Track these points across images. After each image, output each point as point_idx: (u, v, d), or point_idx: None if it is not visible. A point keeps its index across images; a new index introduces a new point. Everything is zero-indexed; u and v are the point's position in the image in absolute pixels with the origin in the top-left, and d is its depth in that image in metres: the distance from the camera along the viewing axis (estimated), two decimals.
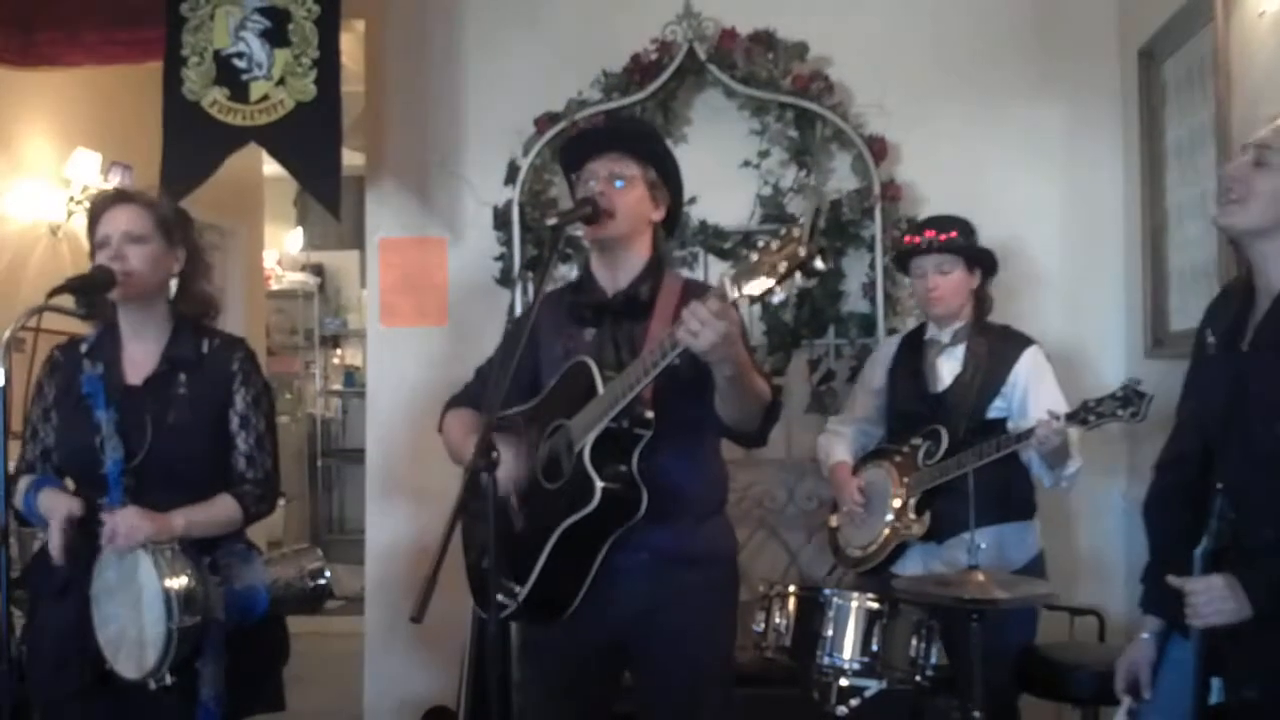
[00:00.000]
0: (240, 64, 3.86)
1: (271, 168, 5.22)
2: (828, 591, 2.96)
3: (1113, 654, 2.50)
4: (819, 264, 1.99)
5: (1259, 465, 2.11)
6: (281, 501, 2.92)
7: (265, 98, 3.85)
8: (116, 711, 2.53)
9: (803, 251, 1.97)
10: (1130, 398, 2.91)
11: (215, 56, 3.87)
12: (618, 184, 2.53)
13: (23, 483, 2.60)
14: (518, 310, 4.00)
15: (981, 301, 3.46)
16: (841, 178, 4.18)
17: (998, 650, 2.99)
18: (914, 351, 3.51)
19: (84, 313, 2.60)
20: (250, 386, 2.69)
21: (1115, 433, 3.73)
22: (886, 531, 3.36)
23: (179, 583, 2.43)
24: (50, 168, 5.31)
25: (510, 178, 4.20)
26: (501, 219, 4.21)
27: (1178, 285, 3.74)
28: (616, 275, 2.59)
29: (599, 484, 2.32)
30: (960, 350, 3.40)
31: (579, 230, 2.62)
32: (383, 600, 4.32)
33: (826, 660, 2.89)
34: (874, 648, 2.87)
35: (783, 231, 2.02)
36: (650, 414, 2.37)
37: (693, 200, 3.71)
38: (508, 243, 4.20)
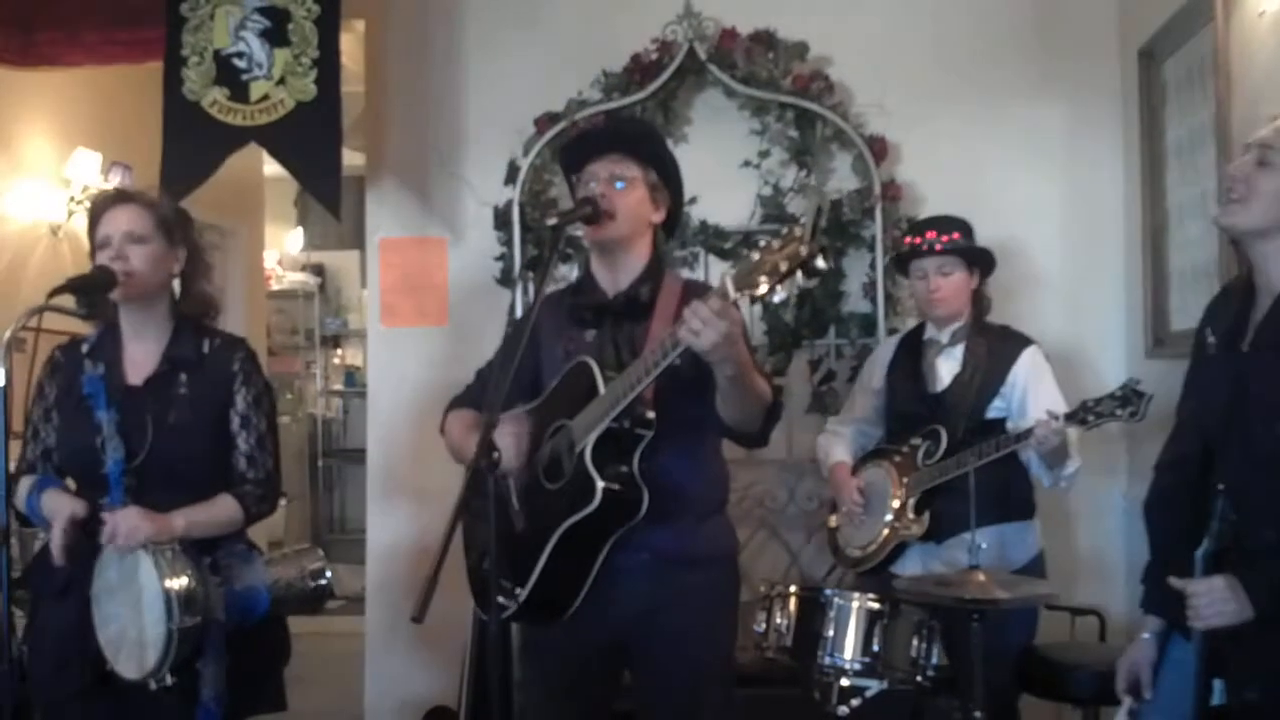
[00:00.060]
0: (240, 64, 3.86)
1: (272, 168, 5.22)
2: (829, 592, 2.96)
3: (1113, 654, 2.50)
4: (820, 263, 1.98)
5: (1259, 466, 2.11)
6: (282, 502, 2.93)
7: (265, 98, 3.85)
8: (117, 712, 2.52)
9: (804, 250, 1.97)
10: (1129, 397, 2.91)
11: (215, 56, 3.87)
12: (618, 185, 2.52)
13: (25, 483, 2.59)
14: (518, 310, 4.01)
15: (980, 301, 3.46)
16: (842, 178, 4.17)
17: (998, 650, 2.99)
18: (913, 352, 3.51)
19: (85, 313, 2.59)
20: (251, 386, 2.69)
21: (1115, 433, 3.74)
22: (886, 531, 3.36)
23: (179, 583, 2.43)
24: (50, 168, 5.30)
25: (510, 178, 4.19)
26: (502, 219, 4.21)
27: (1178, 285, 3.74)
28: (617, 276, 2.59)
29: (600, 484, 2.31)
30: (959, 350, 3.40)
31: (579, 230, 2.62)
32: (384, 600, 4.32)
33: (827, 660, 2.89)
34: (875, 648, 2.87)
35: (784, 230, 2.02)
36: (651, 414, 2.37)
37: (693, 200, 3.70)
38: (508, 243, 4.20)
